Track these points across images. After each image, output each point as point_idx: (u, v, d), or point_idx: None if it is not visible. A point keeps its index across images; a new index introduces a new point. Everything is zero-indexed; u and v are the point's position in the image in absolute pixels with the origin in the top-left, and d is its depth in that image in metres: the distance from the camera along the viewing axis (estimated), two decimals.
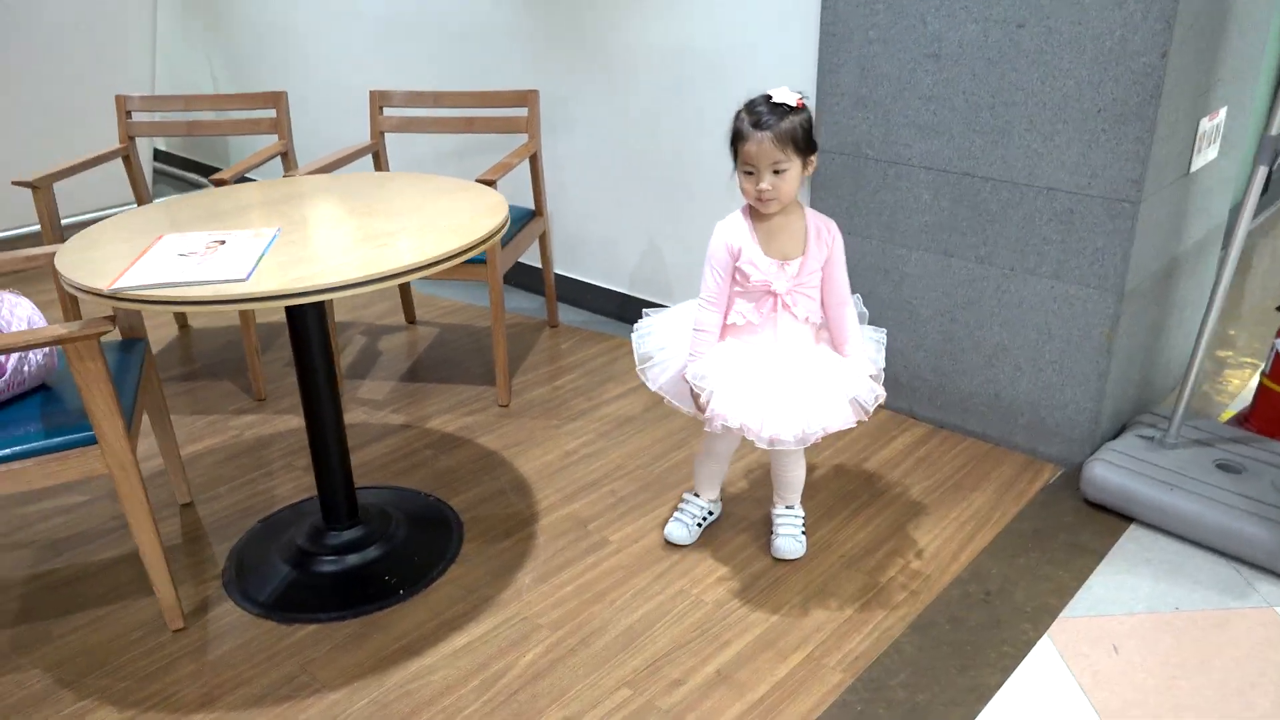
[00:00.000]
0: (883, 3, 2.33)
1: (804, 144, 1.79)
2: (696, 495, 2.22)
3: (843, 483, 2.39)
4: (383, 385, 2.95)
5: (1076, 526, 2.20)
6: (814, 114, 2.53)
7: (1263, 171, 2.01)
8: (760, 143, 1.76)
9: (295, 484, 2.46)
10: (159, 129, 3.14)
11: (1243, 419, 2.49)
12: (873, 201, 2.52)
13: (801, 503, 2.17)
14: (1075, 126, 2.14)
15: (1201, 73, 2.17)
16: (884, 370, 1.99)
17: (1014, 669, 1.81)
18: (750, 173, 1.80)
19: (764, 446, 1.87)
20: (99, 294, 1.63)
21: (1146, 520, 2.17)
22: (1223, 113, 2.37)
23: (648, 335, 2.05)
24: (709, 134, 2.82)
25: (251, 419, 2.78)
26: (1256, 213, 4.24)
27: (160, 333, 3.34)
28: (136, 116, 3.13)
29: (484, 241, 1.82)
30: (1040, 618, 1.93)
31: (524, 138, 3.01)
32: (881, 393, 1.93)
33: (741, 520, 2.26)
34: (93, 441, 1.79)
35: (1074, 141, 2.15)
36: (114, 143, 3.08)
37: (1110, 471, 2.20)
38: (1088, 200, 2.17)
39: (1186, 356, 2.67)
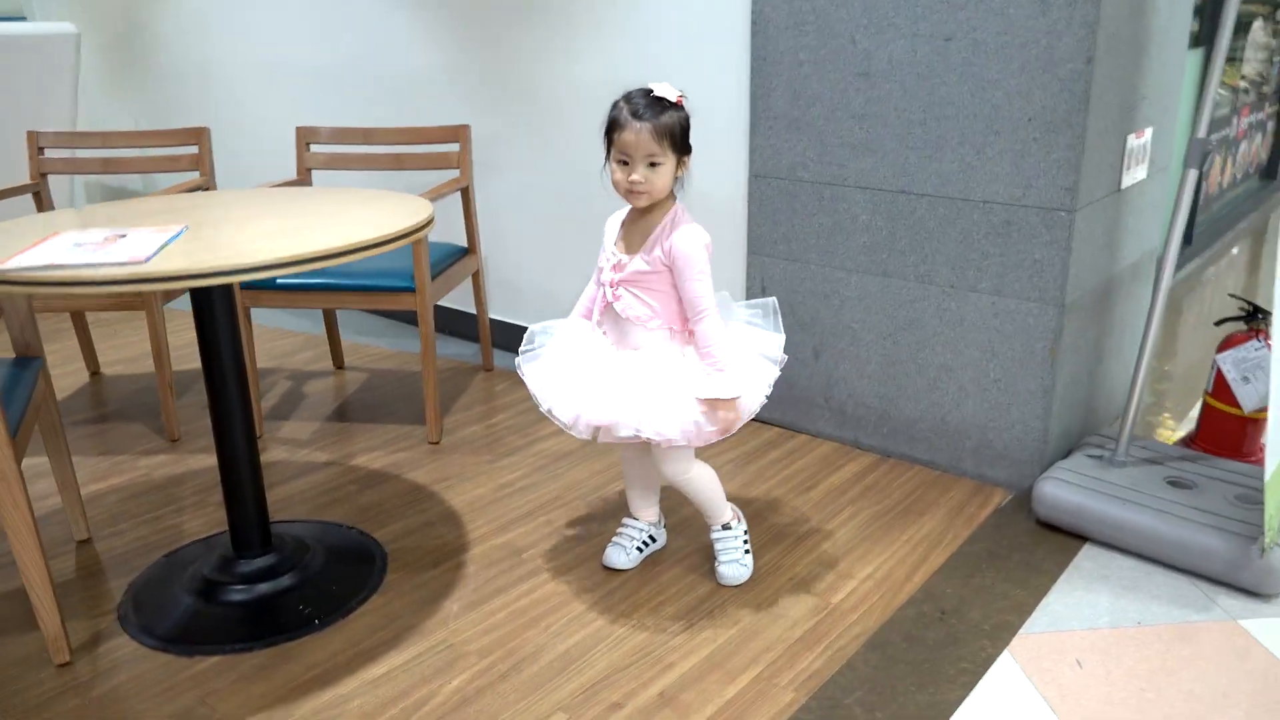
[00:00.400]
0: (812, 25, 2.34)
1: (680, 141, 1.76)
2: (634, 518, 2.10)
3: (788, 509, 2.29)
4: (306, 426, 2.80)
5: (1030, 546, 2.12)
6: (749, 136, 2.53)
7: (1193, 175, 2.02)
8: (639, 133, 1.72)
9: (206, 519, 2.29)
10: (74, 165, 3.01)
11: (1189, 440, 2.47)
12: (810, 225, 2.49)
13: (744, 525, 2.06)
14: (1007, 137, 2.14)
15: (1126, 86, 2.20)
16: (769, 390, 1.86)
17: (975, 684, 1.70)
18: (624, 163, 1.76)
19: (577, 435, 1.81)
20: None
21: (1100, 538, 2.10)
22: (1149, 133, 2.40)
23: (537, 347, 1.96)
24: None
25: (163, 459, 2.60)
26: (1181, 265, 4.33)
27: (69, 380, 3.16)
28: (51, 153, 3.01)
29: (408, 235, 1.72)
30: (999, 634, 1.84)
31: (456, 173, 2.95)
32: (711, 421, 1.78)
33: (685, 548, 2.14)
34: None
35: (1007, 152, 2.15)
36: (26, 179, 2.95)
37: (1061, 489, 2.14)
38: (1024, 211, 2.16)
39: (1129, 382, 2.65)
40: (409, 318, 3.62)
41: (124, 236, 1.68)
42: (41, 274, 1.46)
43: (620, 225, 1.88)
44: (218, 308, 1.81)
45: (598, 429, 1.81)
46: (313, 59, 3.57)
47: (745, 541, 2.04)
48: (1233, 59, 4.73)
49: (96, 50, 4.42)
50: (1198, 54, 3.77)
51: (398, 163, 2.97)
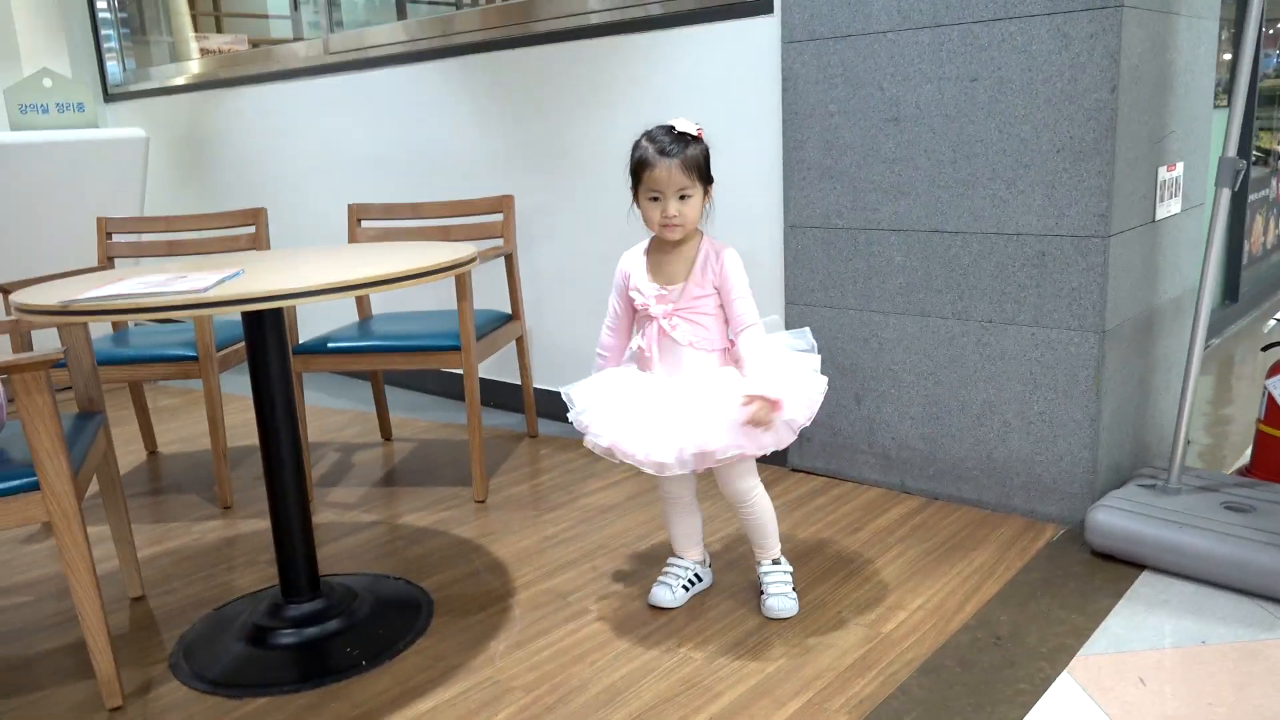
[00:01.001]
0: (840, 76, 2.42)
1: (705, 172, 1.83)
2: (680, 557, 2.09)
3: (835, 550, 2.26)
4: (354, 491, 2.84)
5: (1086, 575, 2.07)
6: (783, 189, 2.59)
7: (1225, 194, 2.03)
8: (670, 169, 1.78)
9: (256, 575, 2.31)
10: (139, 250, 3.16)
11: (1245, 470, 2.41)
12: (846, 270, 2.52)
13: (793, 565, 2.04)
14: (1037, 169, 2.18)
15: (1153, 117, 2.24)
16: (818, 399, 1.88)
17: (1034, 704, 1.65)
18: (655, 199, 1.81)
19: (649, 470, 1.80)
20: (47, 310, 1.57)
21: (1157, 564, 2.05)
22: (1180, 167, 2.42)
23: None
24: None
25: (215, 524, 2.65)
26: (1229, 322, 4.29)
27: (127, 459, 3.25)
28: (118, 239, 3.17)
29: (452, 268, 1.79)
30: (1057, 657, 1.78)
31: (500, 242, 3.05)
32: (795, 414, 1.82)
33: (731, 586, 2.12)
34: (35, 487, 1.69)
35: (1038, 184, 2.18)
36: (94, 264, 3.10)
37: (1115, 516, 2.09)
38: (1058, 240, 2.18)
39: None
40: (455, 391, 3.69)
41: (184, 277, 1.76)
42: (106, 303, 1.54)
43: (643, 261, 1.92)
44: (270, 350, 1.87)
45: (677, 460, 1.79)
46: (363, 146, 3.75)
47: (791, 577, 2.02)
48: (1269, 128, 4.76)
49: (164, 149, 4.67)
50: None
51: (445, 235, 3.07)
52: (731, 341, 1.90)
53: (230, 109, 4.31)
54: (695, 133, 1.82)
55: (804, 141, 2.53)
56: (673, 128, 1.82)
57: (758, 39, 2.58)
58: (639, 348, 1.93)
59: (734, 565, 2.20)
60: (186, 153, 4.61)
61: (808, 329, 1.97)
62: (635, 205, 1.86)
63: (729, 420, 1.78)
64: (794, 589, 2.01)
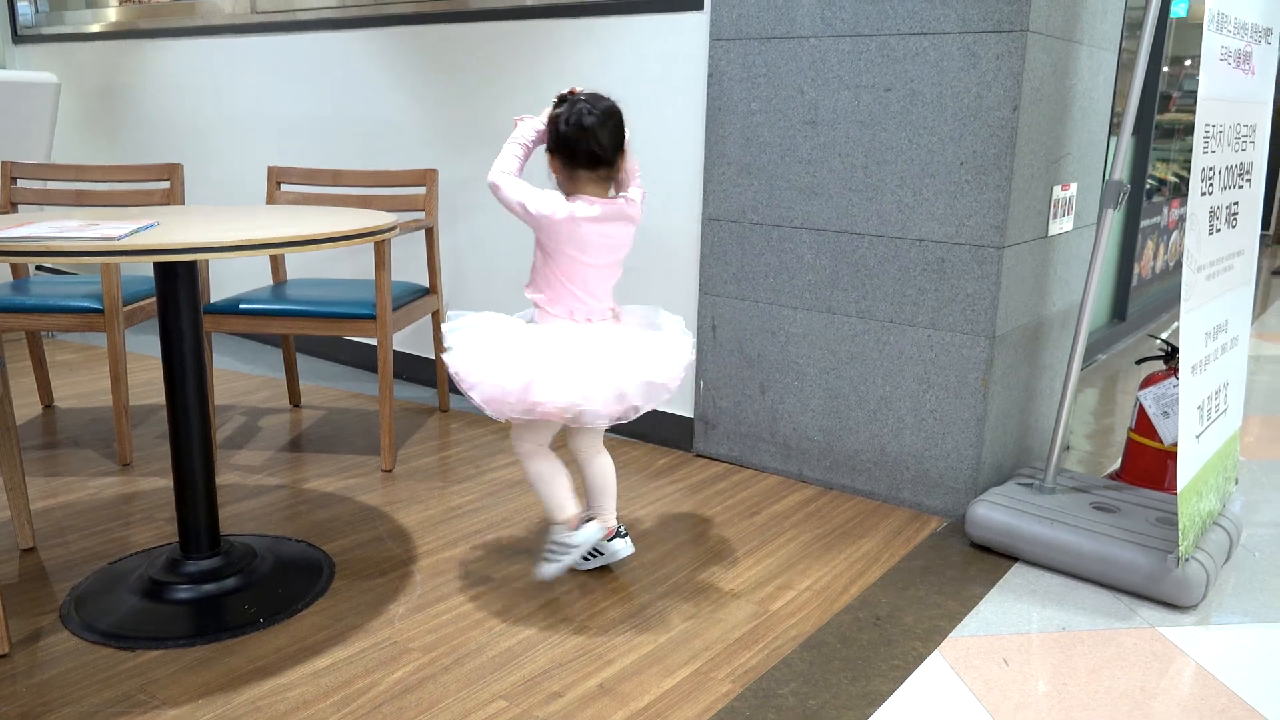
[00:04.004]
0: (764, 76, 2.51)
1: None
2: (564, 521, 2.04)
3: (731, 532, 2.35)
4: (259, 454, 2.82)
5: (963, 564, 2.20)
6: (703, 181, 2.67)
7: (1110, 214, 2.17)
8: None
9: (154, 533, 2.29)
10: (46, 196, 3.08)
11: (1115, 475, 2.57)
12: (759, 264, 2.61)
13: (692, 548, 2.14)
14: (941, 179, 2.29)
15: (1051, 137, 2.37)
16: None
17: (905, 678, 1.75)
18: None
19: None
20: None
21: (1029, 557, 2.18)
22: (1074, 187, 2.57)
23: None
24: None
25: (112, 480, 2.61)
26: (1116, 340, 4.52)
27: (21, 412, 3.16)
28: (24, 184, 3.08)
29: (371, 234, 1.81)
30: (930, 637, 1.89)
31: (421, 215, 3.06)
32: (666, 377, 1.93)
33: (629, 561, 2.18)
34: None
35: (941, 193, 2.30)
36: None
37: (993, 511, 2.22)
38: (957, 248, 2.30)
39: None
40: (367, 363, 3.68)
41: (97, 225, 1.74)
42: (19, 243, 1.52)
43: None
44: (183, 304, 1.87)
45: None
46: (286, 110, 3.70)
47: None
48: (1166, 159, 5.03)
49: (76, 97, 4.53)
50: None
51: (366, 204, 3.06)
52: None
53: (148, 61, 4.20)
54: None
55: (725, 137, 2.61)
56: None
57: (686, 34, 2.65)
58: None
59: (635, 540, 2.26)
60: (99, 103, 4.48)
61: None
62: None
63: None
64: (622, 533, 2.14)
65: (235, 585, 1.99)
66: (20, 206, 3.08)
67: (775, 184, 2.54)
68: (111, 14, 4.36)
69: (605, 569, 2.14)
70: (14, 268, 3.10)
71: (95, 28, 4.40)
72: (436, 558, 2.19)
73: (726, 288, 2.69)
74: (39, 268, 4.31)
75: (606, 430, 2.08)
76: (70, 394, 3.37)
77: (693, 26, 2.63)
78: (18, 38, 4.76)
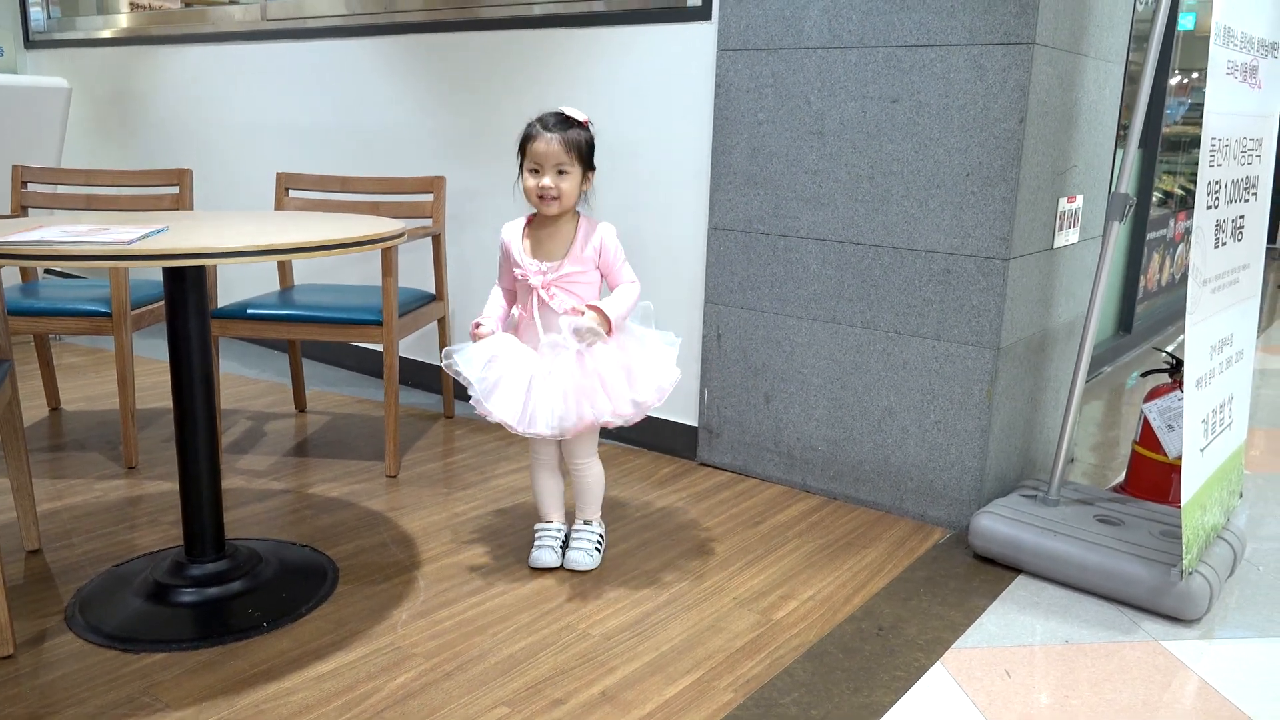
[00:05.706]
0: (771, 86, 2.52)
1: (586, 156, 1.99)
2: (548, 521, 2.22)
3: (735, 541, 2.35)
4: (264, 459, 2.83)
5: (966, 576, 2.20)
6: (709, 191, 2.68)
7: (1115, 226, 2.18)
8: (549, 143, 1.94)
9: (159, 535, 2.30)
10: (56, 201, 3.10)
11: (1119, 487, 2.57)
12: (764, 274, 2.62)
13: (695, 556, 2.16)
14: (947, 190, 2.30)
15: (1057, 150, 2.38)
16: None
17: (907, 690, 1.75)
18: (535, 171, 1.96)
19: (522, 433, 1.95)
20: None
21: (1032, 569, 2.18)
22: (1080, 200, 2.58)
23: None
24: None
25: (118, 483, 2.62)
26: (1123, 352, 4.52)
27: (29, 414, 3.17)
28: (34, 189, 3.10)
29: (379, 240, 1.82)
30: (933, 648, 1.89)
31: (429, 221, 3.07)
32: (645, 396, 1.99)
33: (632, 570, 2.19)
34: None
35: (947, 204, 2.30)
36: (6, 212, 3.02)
37: (996, 522, 2.22)
38: (962, 259, 2.30)
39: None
40: (373, 369, 3.69)
41: (107, 230, 1.76)
42: (27, 248, 1.54)
43: (523, 238, 2.05)
44: (190, 308, 1.88)
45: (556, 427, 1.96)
46: (295, 117, 3.72)
47: (600, 539, 2.21)
48: (1173, 171, 5.03)
49: (87, 102, 4.56)
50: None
51: (374, 211, 3.08)
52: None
53: (159, 67, 4.23)
54: (582, 120, 1.98)
55: (732, 147, 2.61)
56: (562, 112, 1.98)
57: (694, 45, 2.66)
58: (519, 314, 2.08)
59: (634, 553, 2.27)
60: (110, 108, 4.50)
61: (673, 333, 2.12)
62: (520, 180, 1.99)
63: (602, 386, 1.96)
64: (598, 548, 2.19)
65: (240, 589, 2.00)
66: (30, 210, 3.09)
67: (781, 194, 2.55)
68: (123, 20, 4.39)
69: (606, 573, 2.15)
70: (23, 271, 3.11)
71: (106, 33, 4.43)
72: (440, 563, 2.20)
73: (732, 297, 2.69)
74: (47, 271, 4.33)
75: (607, 438, 2.12)
76: (76, 396, 3.38)
77: (700, 37, 2.65)
78: (30, 43, 4.80)
